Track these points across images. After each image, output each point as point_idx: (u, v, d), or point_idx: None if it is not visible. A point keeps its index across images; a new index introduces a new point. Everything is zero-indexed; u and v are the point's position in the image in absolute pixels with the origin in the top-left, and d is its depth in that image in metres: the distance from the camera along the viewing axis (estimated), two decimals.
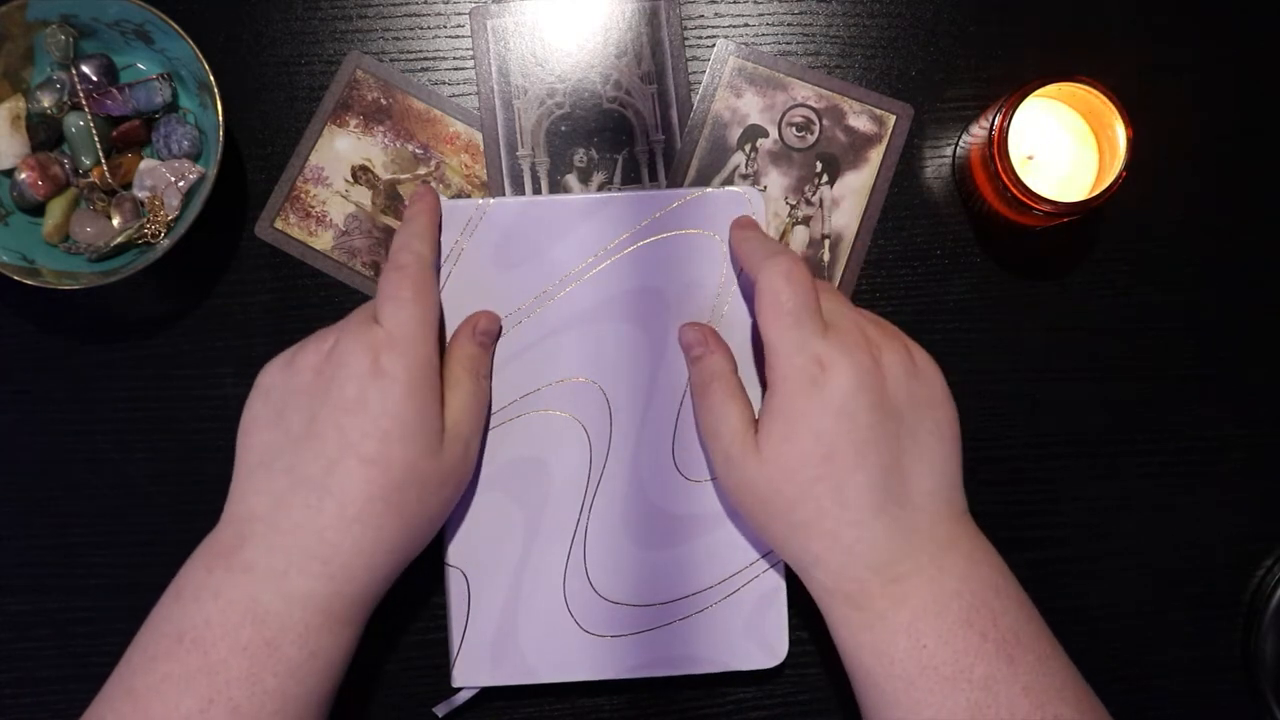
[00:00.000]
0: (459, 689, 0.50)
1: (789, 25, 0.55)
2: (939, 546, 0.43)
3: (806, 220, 0.54)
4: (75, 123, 0.51)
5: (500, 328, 0.50)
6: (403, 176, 0.54)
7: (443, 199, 0.52)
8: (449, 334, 0.50)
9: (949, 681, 0.41)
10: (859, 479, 0.42)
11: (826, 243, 0.54)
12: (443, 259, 0.50)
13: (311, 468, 0.43)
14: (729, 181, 0.54)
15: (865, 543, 0.43)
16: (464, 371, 0.48)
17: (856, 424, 0.43)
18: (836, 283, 0.54)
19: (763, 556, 0.50)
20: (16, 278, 0.48)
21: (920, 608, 0.42)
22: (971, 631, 0.42)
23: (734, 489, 0.46)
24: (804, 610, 0.52)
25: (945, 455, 0.45)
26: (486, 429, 0.50)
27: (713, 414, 0.47)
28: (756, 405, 0.50)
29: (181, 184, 0.51)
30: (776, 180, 0.54)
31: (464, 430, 0.46)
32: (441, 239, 0.51)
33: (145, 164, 0.52)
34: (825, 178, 0.54)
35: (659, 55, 0.54)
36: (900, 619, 0.42)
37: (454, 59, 0.54)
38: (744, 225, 0.50)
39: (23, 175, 0.51)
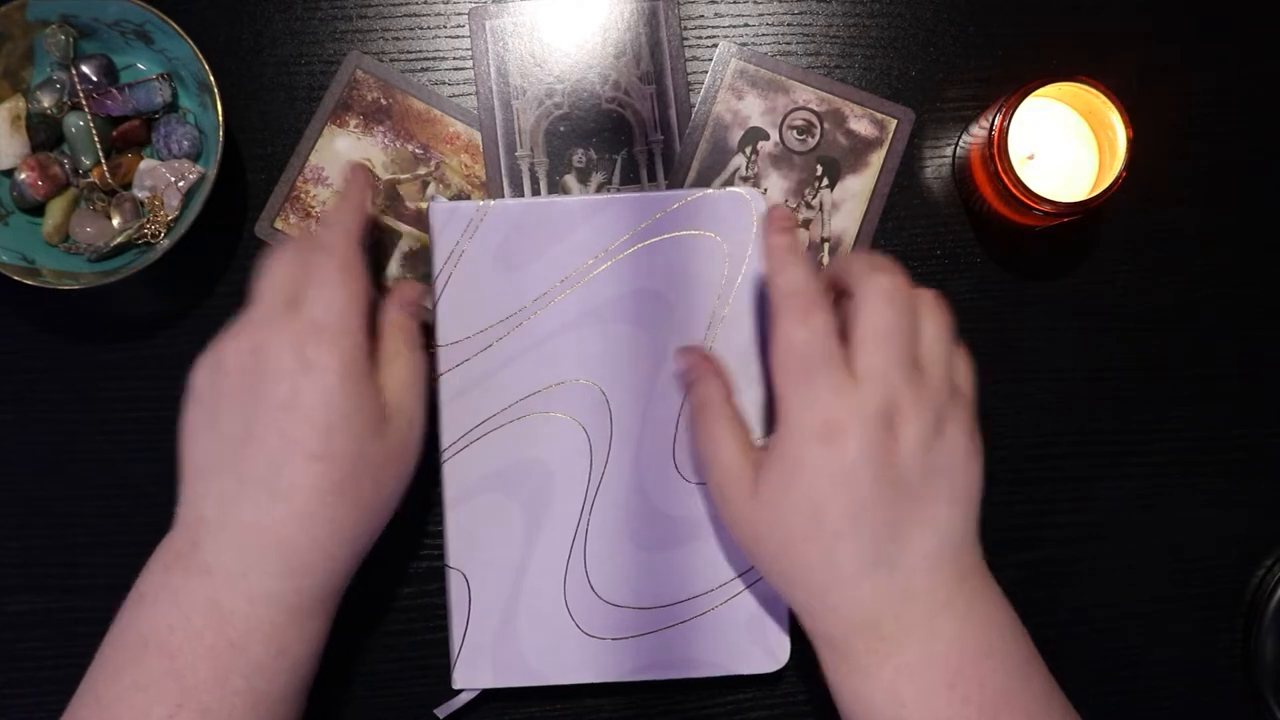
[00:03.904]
0: (459, 690, 0.51)
1: (789, 25, 0.55)
2: (932, 609, 0.42)
3: (806, 223, 0.54)
4: (75, 123, 0.51)
5: (420, 293, 0.50)
6: (403, 176, 0.54)
7: (443, 201, 0.52)
8: (442, 338, 0.50)
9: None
10: (848, 545, 0.41)
11: (826, 246, 0.54)
12: (443, 261, 0.50)
13: (257, 469, 0.42)
14: (729, 184, 0.54)
15: (851, 603, 0.42)
16: (400, 344, 0.47)
17: (855, 494, 0.41)
18: None
19: None
20: (16, 278, 0.48)
21: (903, 667, 0.41)
22: (954, 694, 0.41)
23: (727, 521, 0.45)
24: None
25: (953, 516, 0.43)
26: (435, 400, 0.49)
27: (707, 444, 0.46)
28: (758, 404, 0.50)
29: (181, 184, 0.51)
30: (777, 183, 0.54)
31: (407, 404, 0.46)
32: (442, 241, 0.51)
33: (145, 164, 0.52)
34: (825, 181, 0.54)
35: (658, 56, 0.54)
36: (882, 675, 0.42)
37: (454, 59, 0.54)
38: (778, 228, 0.46)
39: (23, 175, 0.51)
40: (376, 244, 0.53)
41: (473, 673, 0.50)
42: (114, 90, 0.51)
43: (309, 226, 0.47)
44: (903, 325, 0.42)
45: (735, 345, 0.50)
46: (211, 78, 0.48)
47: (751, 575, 0.50)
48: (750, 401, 0.50)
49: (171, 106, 0.52)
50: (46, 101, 0.51)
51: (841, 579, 0.42)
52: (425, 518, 0.53)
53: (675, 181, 0.54)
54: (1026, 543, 0.54)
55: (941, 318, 0.44)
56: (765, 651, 0.50)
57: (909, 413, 0.41)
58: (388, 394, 0.45)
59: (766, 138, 0.54)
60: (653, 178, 0.54)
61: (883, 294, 0.42)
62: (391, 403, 0.45)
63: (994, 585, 0.44)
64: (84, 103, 0.51)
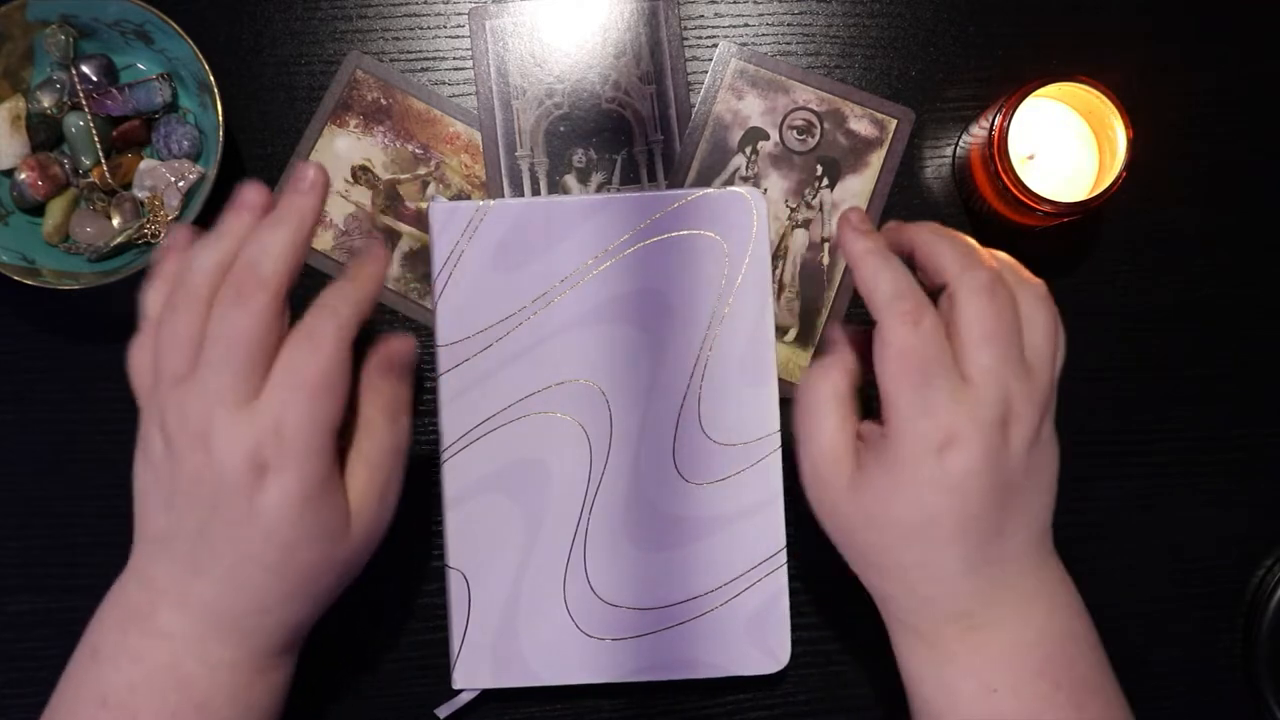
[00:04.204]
0: (459, 690, 0.51)
1: (789, 25, 0.55)
2: (1023, 598, 0.41)
3: (806, 224, 0.54)
4: (75, 123, 0.51)
5: (416, 349, 0.45)
6: (403, 176, 0.54)
7: (443, 201, 0.52)
8: (441, 338, 0.50)
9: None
10: (955, 549, 0.40)
11: (826, 246, 0.54)
12: (443, 261, 0.50)
13: (214, 568, 0.40)
14: (729, 184, 0.54)
15: (947, 598, 0.41)
16: (378, 413, 0.42)
17: (968, 502, 0.39)
18: (835, 286, 0.54)
19: (765, 560, 0.50)
20: (16, 278, 0.48)
21: (995, 656, 0.41)
22: (1043, 681, 0.40)
23: (813, 501, 0.43)
24: (804, 613, 0.52)
25: (1044, 506, 0.42)
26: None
27: (809, 417, 0.43)
28: (761, 404, 0.50)
29: (181, 184, 0.51)
30: (777, 183, 0.54)
31: (378, 486, 0.42)
32: (441, 241, 0.51)
33: (145, 164, 0.52)
34: (826, 181, 0.54)
35: (658, 56, 0.54)
36: (972, 663, 0.41)
37: (454, 59, 0.54)
38: (858, 231, 0.42)
39: (23, 175, 0.51)
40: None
41: (473, 673, 0.50)
42: (114, 90, 0.51)
43: (249, 289, 0.38)
44: (1009, 322, 0.40)
45: (735, 345, 0.50)
46: (211, 78, 0.49)
47: (752, 576, 0.50)
48: (752, 402, 0.50)
49: (171, 106, 0.52)
50: (46, 101, 0.51)
51: (941, 578, 0.41)
52: (425, 518, 0.53)
53: (675, 181, 0.54)
54: None
55: (1048, 313, 0.42)
56: (765, 652, 0.50)
57: (1020, 414, 0.40)
58: (356, 479, 0.41)
59: (766, 138, 0.54)
60: (653, 178, 0.54)
61: (985, 290, 0.40)
62: (358, 490, 0.41)
63: (1065, 572, 0.44)
64: (84, 103, 0.51)
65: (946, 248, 0.41)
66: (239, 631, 0.41)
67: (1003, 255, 0.43)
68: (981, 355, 0.39)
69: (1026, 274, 0.43)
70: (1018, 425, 0.40)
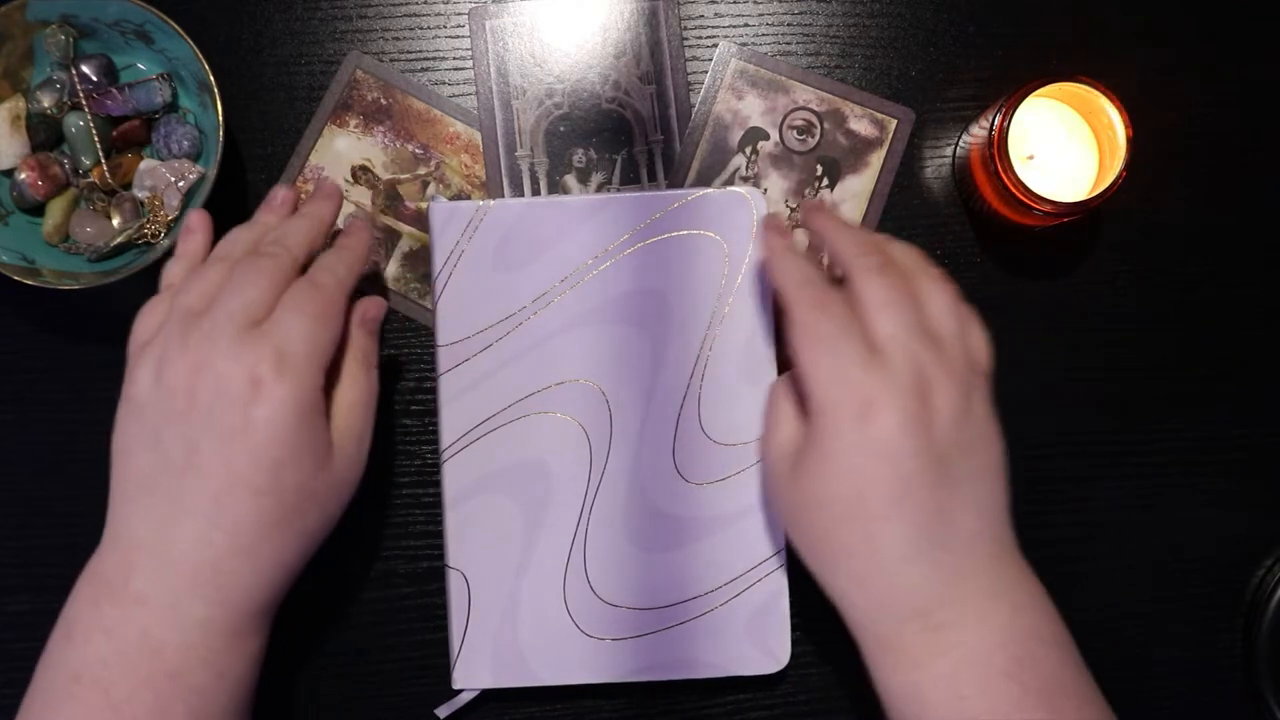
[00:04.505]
0: (459, 690, 0.51)
1: (789, 25, 0.55)
2: (983, 594, 0.41)
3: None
4: (75, 123, 0.51)
5: (384, 303, 0.48)
6: (403, 176, 0.54)
7: (443, 201, 0.52)
8: (442, 338, 0.50)
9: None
10: (892, 527, 0.40)
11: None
12: (443, 261, 0.50)
13: (198, 499, 0.40)
14: (729, 184, 0.54)
15: (901, 590, 0.41)
16: (356, 364, 0.45)
17: (898, 471, 0.40)
18: None
19: (765, 560, 0.50)
20: (16, 278, 0.48)
21: (961, 660, 0.40)
22: (1013, 683, 0.40)
23: (770, 499, 0.45)
24: (804, 613, 0.52)
25: (992, 493, 0.42)
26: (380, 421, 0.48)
27: (765, 422, 0.46)
28: (763, 403, 0.50)
29: (181, 184, 0.51)
30: (777, 183, 0.54)
31: (356, 428, 0.45)
32: (441, 241, 0.51)
33: (145, 164, 0.52)
34: (826, 181, 0.54)
35: (658, 56, 0.54)
36: (939, 669, 0.40)
37: (454, 59, 0.54)
38: (774, 229, 0.47)
39: (23, 175, 0.51)
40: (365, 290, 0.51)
41: (473, 673, 0.50)
42: (114, 90, 0.51)
43: (273, 249, 0.44)
44: (903, 293, 0.42)
45: (735, 345, 0.50)
46: (211, 78, 0.48)
47: (752, 576, 0.50)
48: (752, 402, 0.50)
49: (171, 106, 0.52)
50: (46, 101, 0.51)
51: (885, 564, 0.40)
52: (425, 518, 0.53)
53: (675, 181, 0.54)
54: (1026, 543, 0.54)
55: (945, 290, 0.43)
56: (765, 653, 0.50)
57: (939, 385, 0.41)
58: (337, 419, 0.44)
59: (766, 138, 0.54)
60: (653, 178, 0.54)
61: (876, 269, 0.42)
62: (339, 428, 0.44)
63: (1031, 572, 0.43)
64: (84, 103, 0.51)
65: (843, 235, 0.44)
66: (215, 583, 0.41)
67: (908, 247, 0.45)
68: (883, 323, 0.41)
69: (927, 262, 0.45)
70: (937, 394, 0.40)
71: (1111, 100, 0.49)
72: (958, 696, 0.40)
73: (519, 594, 0.50)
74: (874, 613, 0.42)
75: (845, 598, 0.43)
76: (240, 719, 0.43)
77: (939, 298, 0.43)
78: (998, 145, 0.49)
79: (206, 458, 0.40)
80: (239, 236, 0.46)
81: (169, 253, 0.49)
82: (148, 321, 0.44)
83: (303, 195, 0.54)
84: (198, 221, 0.47)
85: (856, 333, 0.41)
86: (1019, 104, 0.49)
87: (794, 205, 0.54)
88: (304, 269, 0.45)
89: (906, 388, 0.40)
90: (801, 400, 0.44)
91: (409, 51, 0.54)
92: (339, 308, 0.44)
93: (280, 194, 0.48)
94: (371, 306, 0.47)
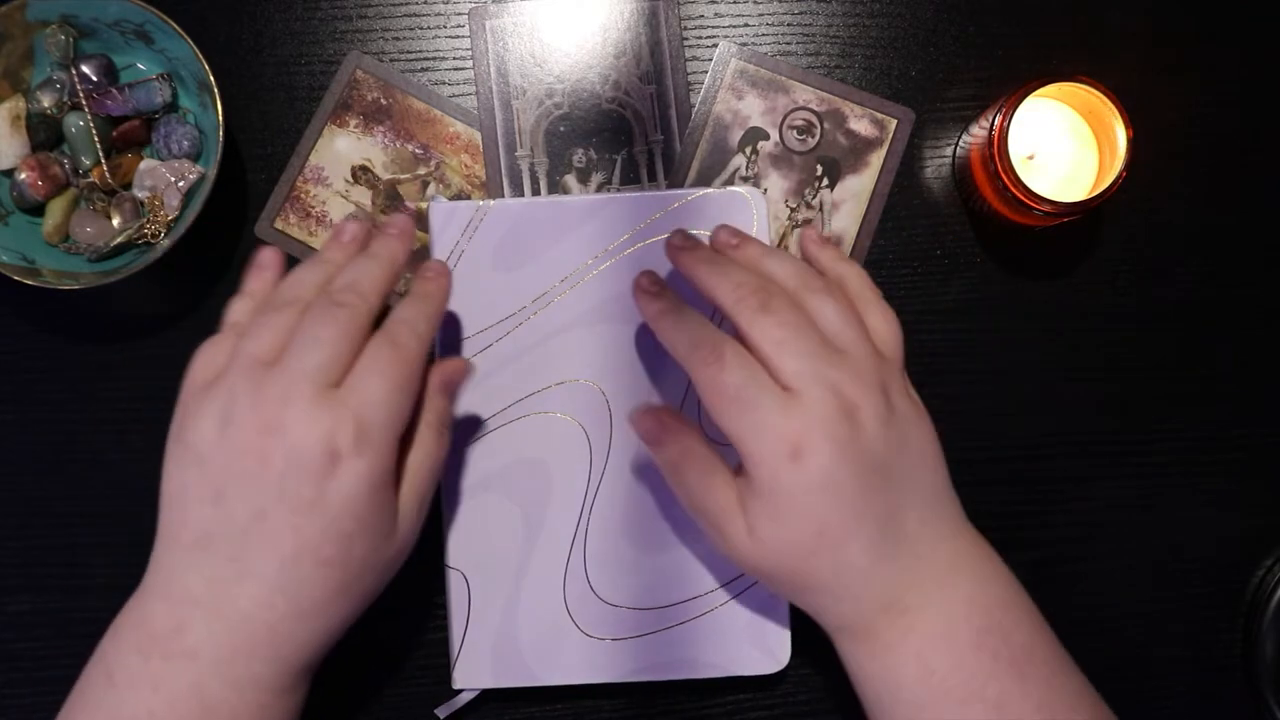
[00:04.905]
0: (459, 690, 0.51)
1: (789, 25, 0.55)
2: (942, 571, 0.42)
3: (807, 224, 0.54)
4: (75, 123, 0.51)
5: (467, 368, 0.46)
6: (403, 176, 0.54)
7: (443, 201, 0.52)
8: (447, 335, 0.50)
9: (961, 703, 0.40)
10: (856, 545, 0.41)
11: None
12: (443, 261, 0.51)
13: (262, 563, 0.39)
14: (729, 184, 0.54)
15: (870, 590, 0.42)
16: (429, 428, 0.44)
17: (843, 495, 0.40)
18: None
19: None
20: (16, 278, 0.48)
21: (929, 635, 0.41)
22: (983, 653, 0.41)
23: (735, 562, 0.44)
24: (803, 613, 0.52)
25: (931, 479, 0.43)
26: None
27: (693, 493, 0.44)
28: None
29: (181, 184, 0.51)
30: (777, 183, 0.54)
31: (421, 493, 0.43)
32: (441, 241, 0.51)
33: (145, 164, 0.52)
34: (825, 181, 0.54)
35: (658, 55, 0.54)
36: (908, 648, 0.41)
37: (454, 59, 0.54)
38: (648, 295, 0.45)
39: (23, 175, 0.51)
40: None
41: (473, 673, 0.50)
42: (114, 90, 0.51)
43: (348, 298, 0.41)
44: (794, 323, 0.42)
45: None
46: (211, 78, 0.49)
47: (752, 577, 0.50)
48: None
49: (171, 106, 0.52)
50: (46, 101, 0.51)
51: (857, 576, 0.41)
52: (425, 518, 0.53)
53: (675, 181, 0.54)
54: (1026, 543, 0.54)
55: (832, 297, 0.43)
56: (765, 653, 0.50)
57: (858, 398, 0.41)
58: (404, 484, 0.43)
59: (766, 138, 0.54)
60: (653, 178, 0.54)
61: (759, 309, 0.41)
62: (405, 494, 0.42)
63: (985, 541, 0.44)
64: (84, 103, 0.51)
65: (715, 279, 0.43)
66: (272, 644, 0.40)
67: (782, 258, 0.45)
68: (786, 361, 0.41)
69: (805, 271, 0.44)
70: (859, 409, 0.41)
71: (1111, 100, 0.49)
72: (929, 671, 0.41)
73: (519, 594, 0.50)
74: (848, 617, 0.43)
75: (821, 614, 0.44)
76: None
77: (829, 308, 0.43)
78: (998, 145, 0.49)
79: (274, 524, 0.39)
80: (306, 278, 0.43)
81: (169, 253, 0.49)
82: (208, 361, 0.42)
83: (303, 194, 0.53)
84: (269, 259, 0.46)
85: (763, 378, 0.41)
86: (1019, 104, 0.49)
87: (794, 206, 0.54)
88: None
89: (829, 417, 0.40)
90: (718, 460, 0.44)
91: (409, 51, 0.54)
92: (419, 370, 0.42)
93: (350, 230, 0.46)
94: (453, 370, 0.45)
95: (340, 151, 0.54)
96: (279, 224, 0.54)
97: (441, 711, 0.51)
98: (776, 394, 0.40)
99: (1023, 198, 0.49)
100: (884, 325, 0.45)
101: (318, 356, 0.40)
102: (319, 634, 0.42)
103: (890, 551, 0.41)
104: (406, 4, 0.54)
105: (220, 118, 0.49)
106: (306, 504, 0.39)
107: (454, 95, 0.54)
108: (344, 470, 0.39)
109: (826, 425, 0.40)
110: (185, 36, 0.49)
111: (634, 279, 0.45)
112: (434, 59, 0.54)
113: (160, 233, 0.51)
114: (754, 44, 0.54)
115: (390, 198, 0.54)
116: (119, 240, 0.51)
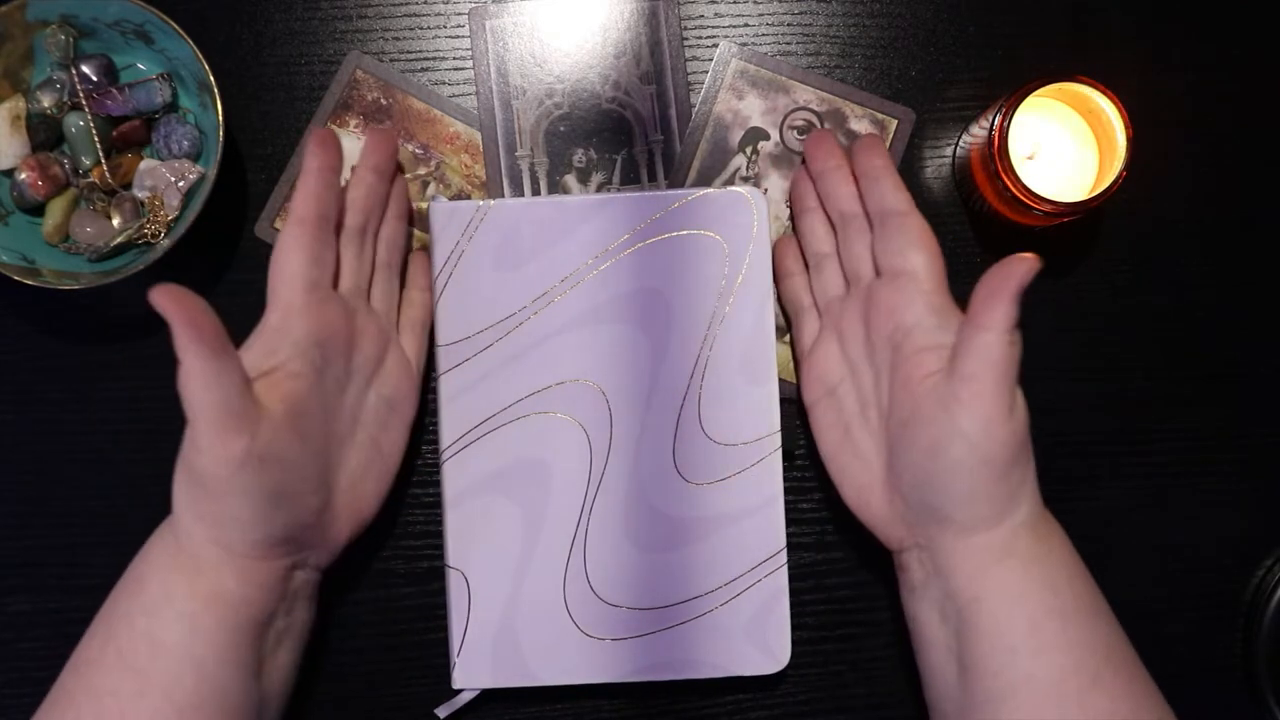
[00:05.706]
0: (459, 690, 0.51)
1: (789, 25, 0.55)
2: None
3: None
4: (75, 123, 0.51)
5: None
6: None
7: (443, 201, 0.52)
8: (442, 338, 0.50)
9: (1095, 615, 0.45)
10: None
11: None
12: (443, 261, 0.50)
13: None
14: (730, 184, 0.54)
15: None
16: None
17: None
18: None
19: (765, 560, 0.50)
20: (16, 278, 0.48)
21: (1057, 559, 0.45)
22: (1076, 585, 0.45)
23: (998, 433, 0.44)
24: (804, 613, 0.52)
25: None
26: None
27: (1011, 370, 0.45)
28: (765, 401, 0.50)
29: (181, 184, 0.51)
30: (777, 183, 0.54)
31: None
32: (441, 241, 0.51)
33: (145, 164, 0.52)
34: None
35: (658, 55, 0.54)
36: (1050, 563, 0.45)
37: (454, 59, 0.54)
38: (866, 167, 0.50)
39: (23, 175, 0.51)
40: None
41: (473, 673, 0.50)
42: (114, 90, 0.51)
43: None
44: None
45: (735, 345, 0.50)
46: (211, 78, 0.49)
47: (752, 576, 0.50)
48: (752, 402, 0.50)
49: (171, 106, 0.52)
50: (46, 101, 0.51)
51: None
52: (425, 518, 0.53)
53: (675, 181, 0.54)
54: None
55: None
56: (765, 653, 0.50)
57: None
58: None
59: (767, 138, 0.54)
60: (653, 177, 0.54)
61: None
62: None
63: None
64: (84, 103, 0.51)
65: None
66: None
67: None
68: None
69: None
70: None
71: (1111, 100, 0.49)
72: (1054, 593, 0.44)
73: (519, 594, 0.50)
74: (975, 527, 0.44)
75: (1012, 496, 0.45)
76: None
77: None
78: (998, 145, 0.49)
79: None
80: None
81: (169, 253, 0.49)
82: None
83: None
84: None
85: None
86: (1019, 104, 0.49)
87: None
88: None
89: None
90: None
91: (409, 51, 0.54)
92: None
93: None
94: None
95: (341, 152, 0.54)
96: (279, 224, 0.54)
97: (441, 711, 0.51)
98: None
99: (1023, 198, 0.49)
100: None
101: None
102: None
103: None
104: (406, 4, 0.54)
105: (220, 118, 0.49)
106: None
107: (454, 95, 0.54)
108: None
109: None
110: (185, 36, 0.49)
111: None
112: (434, 59, 0.54)
113: (160, 233, 0.51)
114: (754, 44, 0.54)
115: None
116: (119, 240, 0.51)
